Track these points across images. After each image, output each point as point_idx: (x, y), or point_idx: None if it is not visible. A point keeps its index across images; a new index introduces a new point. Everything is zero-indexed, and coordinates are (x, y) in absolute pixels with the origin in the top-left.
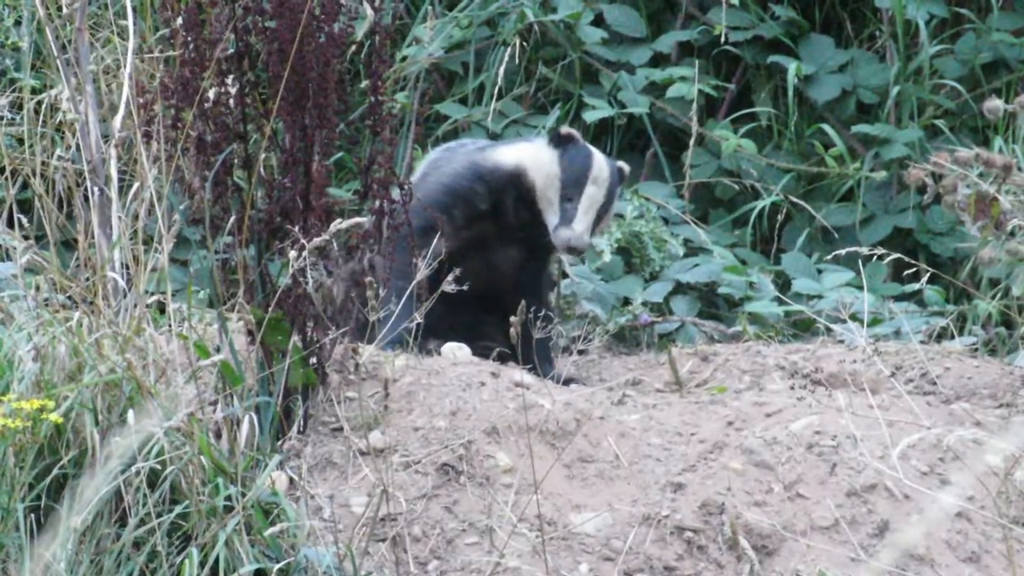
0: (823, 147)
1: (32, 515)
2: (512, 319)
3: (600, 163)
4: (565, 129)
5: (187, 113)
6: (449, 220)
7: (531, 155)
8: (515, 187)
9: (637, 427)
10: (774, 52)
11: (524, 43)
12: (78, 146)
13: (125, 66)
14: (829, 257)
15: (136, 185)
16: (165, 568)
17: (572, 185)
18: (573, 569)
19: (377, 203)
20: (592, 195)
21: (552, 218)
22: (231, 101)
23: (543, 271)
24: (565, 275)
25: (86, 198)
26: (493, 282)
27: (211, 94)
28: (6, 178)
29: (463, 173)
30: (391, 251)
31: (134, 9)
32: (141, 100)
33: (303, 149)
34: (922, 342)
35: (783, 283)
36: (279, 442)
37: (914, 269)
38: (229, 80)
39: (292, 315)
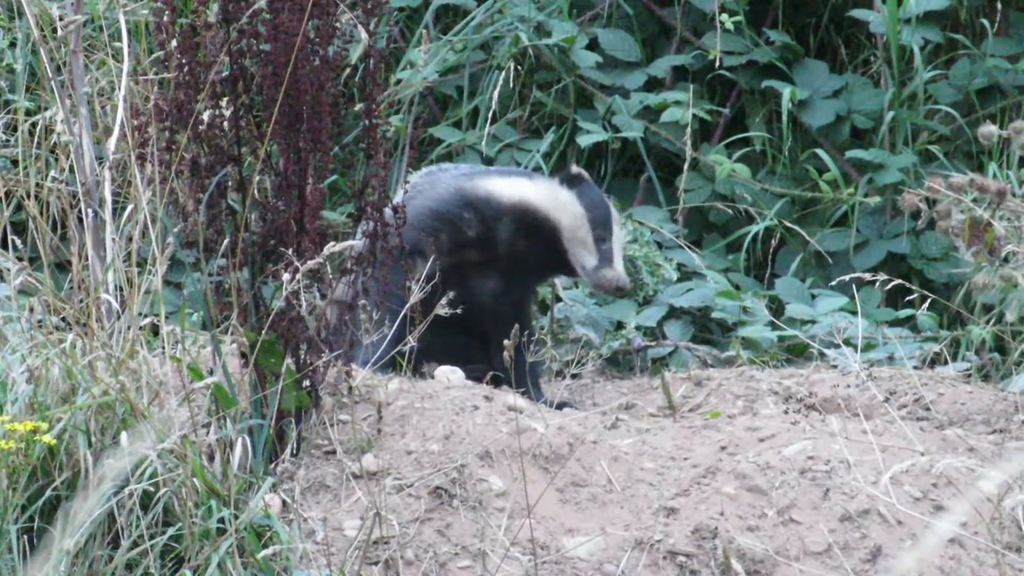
0: (817, 172)
1: (25, 537)
2: (505, 342)
3: (611, 202)
4: (576, 169)
5: (181, 136)
6: (434, 244)
7: (544, 194)
8: (516, 221)
9: (630, 451)
10: (768, 77)
11: (518, 67)
12: (72, 168)
13: (120, 88)
14: (834, 283)
15: (130, 207)
16: None
17: (602, 226)
18: None
19: (371, 226)
20: (619, 234)
21: (589, 259)
22: (225, 124)
23: (526, 300)
24: (559, 299)
25: (80, 220)
26: (471, 309)
27: (205, 117)
28: (0, 200)
29: (450, 199)
30: (384, 274)
31: (129, 31)
32: (135, 122)
33: (297, 172)
34: (916, 367)
35: (777, 308)
36: (272, 465)
37: (911, 296)
38: (223, 103)
39: (285, 338)
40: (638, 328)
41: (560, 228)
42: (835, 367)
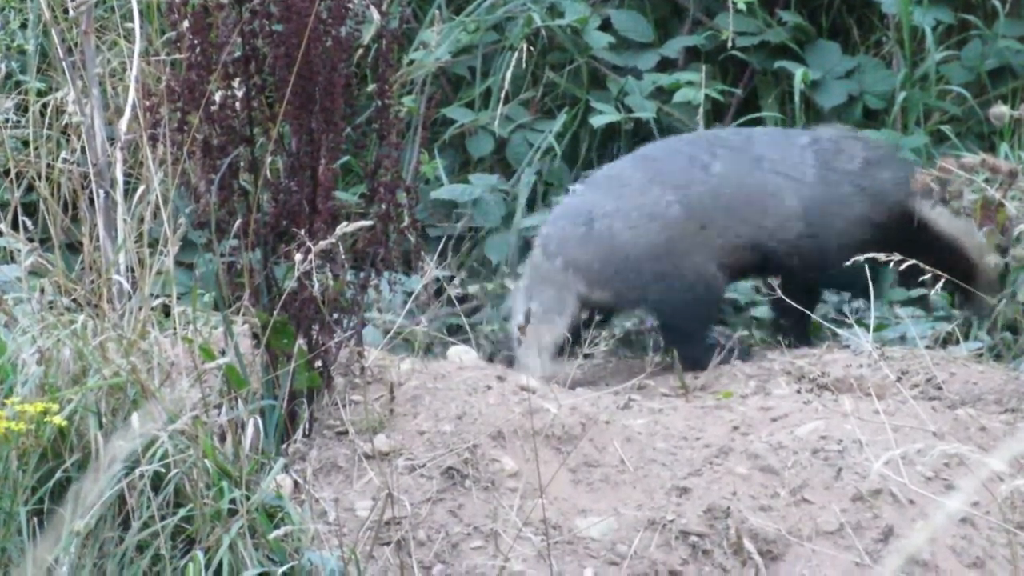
0: None
1: (35, 518)
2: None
3: None
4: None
5: (193, 116)
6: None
7: (968, 233)
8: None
9: (643, 432)
10: (781, 57)
11: (531, 48)
12: (83, 149)
13: (131, 69)
14: (848, 263)
15: (141, 188)
16: (169, 572)
17: None
18: (578, 574)
19: (383, 207)
20: None
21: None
22: (237, 104)
23: None
24: None
25: (91, 201)
26: None
27: (217, 97)
28: (11, 181)
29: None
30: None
31: (140, 12)
32: (147, 103)
33: (309, 153)
34: (928, 347)
35: None
36: (284, 445)
37: (924, 276)
38: (235, 84)
39: (297, 318)
40: None
41: (978, 269)
42: (847, 347)
